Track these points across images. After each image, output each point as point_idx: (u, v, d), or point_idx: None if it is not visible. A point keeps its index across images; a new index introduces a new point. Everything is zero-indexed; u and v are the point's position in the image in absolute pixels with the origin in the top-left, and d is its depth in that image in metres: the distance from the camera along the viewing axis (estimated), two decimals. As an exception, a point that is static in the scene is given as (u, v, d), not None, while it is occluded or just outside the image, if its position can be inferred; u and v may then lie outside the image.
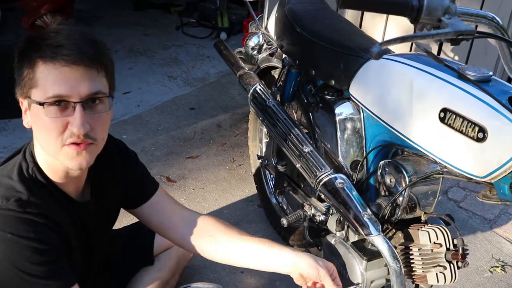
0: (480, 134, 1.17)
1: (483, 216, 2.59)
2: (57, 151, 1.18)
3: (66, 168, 1.23)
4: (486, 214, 2.60)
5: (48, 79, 1.13)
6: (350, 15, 3.29)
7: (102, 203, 1.44)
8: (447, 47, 3.01)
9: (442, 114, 1.25)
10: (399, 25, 3.16)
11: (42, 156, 1.25)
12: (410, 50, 3.13)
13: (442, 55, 2.94)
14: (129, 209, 1.57)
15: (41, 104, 1.13)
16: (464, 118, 1.20)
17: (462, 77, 1.24)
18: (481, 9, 2.84)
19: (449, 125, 1.23)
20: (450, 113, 1.23)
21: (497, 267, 2.30)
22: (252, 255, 1.45)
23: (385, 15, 3.12)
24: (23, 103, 1.21)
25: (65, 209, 1.28)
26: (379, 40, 3.20)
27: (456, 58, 2.99)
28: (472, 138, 1.19)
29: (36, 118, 1.17)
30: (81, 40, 1.16)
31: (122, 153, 1.51)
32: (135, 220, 1.98)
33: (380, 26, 3.26)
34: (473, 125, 1.18)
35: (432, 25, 1.06)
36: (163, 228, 1.55)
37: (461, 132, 1.21)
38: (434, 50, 2.96)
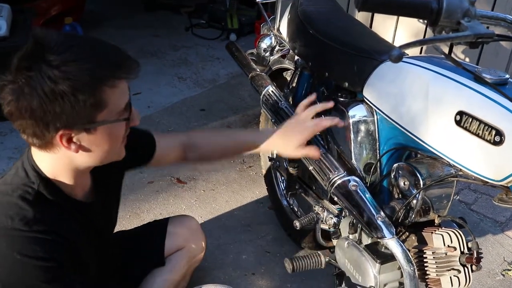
0: (497, 137, 1.16)
1: (495, 219, 2.58)
2: (121, 150, 1.28)
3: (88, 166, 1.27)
4: (497, 216, 2.59)
5: (115, 96, 1.15)
6: (360, 16, 3.28)
7: (106, 196, 1.45)
8: (457, 49, 3.00)
9: (458, 117, 1.24)
10: (409, 26, 3.15)
11: (50, 164, 1.22)
12: (420, 52, 3.11)
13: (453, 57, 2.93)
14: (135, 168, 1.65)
15: (125, 119, 1.20)
16: (480, 121, 1.19)
17: (478, 79, 1.23)
18: (492, 10, 2.83)
19: (465, 128, 1.22)
20: (467, 116, 1.22)
21: (509, 270, 2.28)
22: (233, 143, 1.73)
23: (395, 16, 3.11)
24: (66, 134, 1.13)
25: (73, 217, 1.28)
26: (391, 41, 3.20)
27: (467, 59, 2.97)
28: (489, 141, 1.17)
29: (106, 135, 1.18)
30: (119, 52, 1.18)
31: None
32: (144, 222, 2.01)
33: (391, 28, 3.25)
34: (490, 129, 1.17)
35: (451, 28, 1.05)
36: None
37: (477, 135, 1.20)
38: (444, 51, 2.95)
